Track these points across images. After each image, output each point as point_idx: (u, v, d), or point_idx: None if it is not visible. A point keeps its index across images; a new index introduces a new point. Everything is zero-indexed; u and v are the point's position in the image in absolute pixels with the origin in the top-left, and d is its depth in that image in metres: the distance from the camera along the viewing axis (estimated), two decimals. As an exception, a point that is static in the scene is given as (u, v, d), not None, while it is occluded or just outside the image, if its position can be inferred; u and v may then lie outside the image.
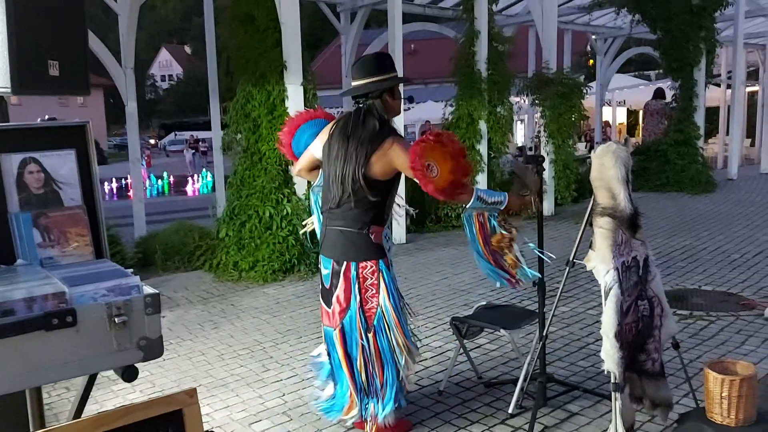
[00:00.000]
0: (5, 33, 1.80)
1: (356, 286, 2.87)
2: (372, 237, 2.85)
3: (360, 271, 2.87)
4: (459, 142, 2.82)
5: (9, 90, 1.82)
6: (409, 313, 3.13)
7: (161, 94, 61.92)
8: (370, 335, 2.88)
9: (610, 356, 2.62)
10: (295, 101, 6.28)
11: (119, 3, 8.05)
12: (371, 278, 2.87)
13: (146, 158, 21.00)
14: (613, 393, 2.63)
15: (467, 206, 2.82)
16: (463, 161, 2.76)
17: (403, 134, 3.33)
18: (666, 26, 11.09)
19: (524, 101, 10.92)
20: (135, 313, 1.50)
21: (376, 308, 2.88)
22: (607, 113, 21.53)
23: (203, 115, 33.16)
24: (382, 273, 2.87)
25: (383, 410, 2.92)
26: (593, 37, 16.58)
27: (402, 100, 3.02)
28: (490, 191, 2.91)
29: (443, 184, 2.72)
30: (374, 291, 2.87)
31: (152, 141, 44.27)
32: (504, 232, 2.89)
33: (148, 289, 1.55)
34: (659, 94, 12.89)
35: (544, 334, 3.15)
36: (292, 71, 6.26)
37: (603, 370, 2.67)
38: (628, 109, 23.91)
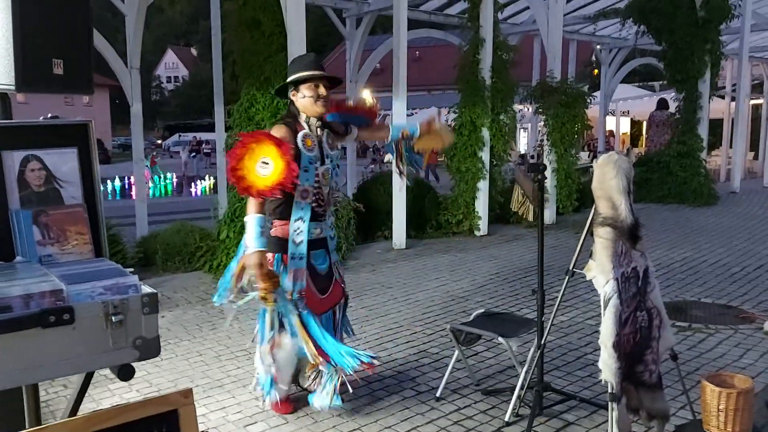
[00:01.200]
0: (10, 31, 1.81)
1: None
2: (271, 231, 3.02)
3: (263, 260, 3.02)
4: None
5: (12, 87, 1.83)
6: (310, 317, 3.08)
7: (166, 96, 62.06)
8: None
9: (607, 366, 2.62)
10: (298, 105, 6.30)
11: (126, 4, 8.08)
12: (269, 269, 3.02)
13: (151, 159, 21.04)
14: (610, 403, 2.63)
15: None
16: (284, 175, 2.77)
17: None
18: (671, 38, 11.11)
19: (528, 109, 10.94)
20: (132, 312, 1.50)
21: None
22: (610, 123, 21.55)
23: (208, 117, 33.20)
24: (275, 267, 3.01)
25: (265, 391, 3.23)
26: (598, 47, 16.62)
27: (314, 99, 3.01)
28: (259, 230, 2.86)
29: (262, 186, 2.73)
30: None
31: (159, 141, 44.39)
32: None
33: (145, 289, 1.56)
34: (663, 104, 12.90)
35: (542, 342, 3.15)
36: (297, 75, 6.27)
37: (600, 380, 2.66)
38: (632, 119, 23.93)
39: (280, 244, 3.03)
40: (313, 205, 3.06)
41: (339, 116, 3.32)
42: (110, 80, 11.51)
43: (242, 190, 2.76)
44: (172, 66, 66.28)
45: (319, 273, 3.12)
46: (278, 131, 2.96)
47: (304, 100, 3.03)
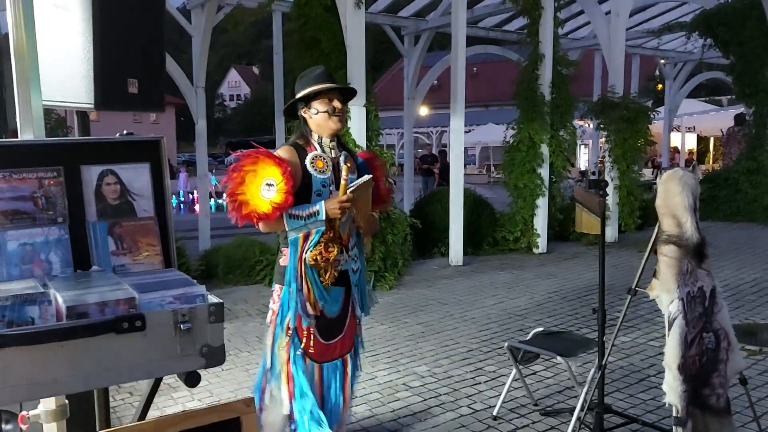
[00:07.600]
0: (90, 53, 1.92)
1: (270, 309, 2.77)
2: (281, 260, 2.72)
3: (273, 294, 2.76)
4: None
5: (92, 106, 1.94)
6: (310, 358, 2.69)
7: (229, 113, 63.85)
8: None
9: (672, 389, 2.54)
10: (357, 122, 6.39)
11: (194, 25, 8.42)
12: (277, 303, 2.72)
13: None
14: (674, 427, 2.54)
15: (288, 229, 2.58)
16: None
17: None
18: (739, 51, 10.75)
19: (589, 125, 10.77)
20: (199, 320, 1.55)
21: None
22: (675, 139, 20.92)
23: (268, 134, 33.95)
24: (283, 301, 2.68)
25: None
26: (662, 61, 16.21)
27: (328, 114, 2.66)
28: (303, 205, 2.57)
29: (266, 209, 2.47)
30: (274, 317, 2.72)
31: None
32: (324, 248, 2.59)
33: (212, 299, 1.61)
34: (741, 119, 12.37)
35: (603, 363, 3.07)
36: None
37: (664, 404, 2.59)
38: (698, 135, 23.17)
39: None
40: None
41: (366, 166, 2.86)
42: (176, 98, 12.00)
43: (243, 217, 2.48)
44: (234, 84, 68.23)
45: (326, 316, 2.67)
46: (284, 152, 2.64)
47: (317, 116, 2.68)
